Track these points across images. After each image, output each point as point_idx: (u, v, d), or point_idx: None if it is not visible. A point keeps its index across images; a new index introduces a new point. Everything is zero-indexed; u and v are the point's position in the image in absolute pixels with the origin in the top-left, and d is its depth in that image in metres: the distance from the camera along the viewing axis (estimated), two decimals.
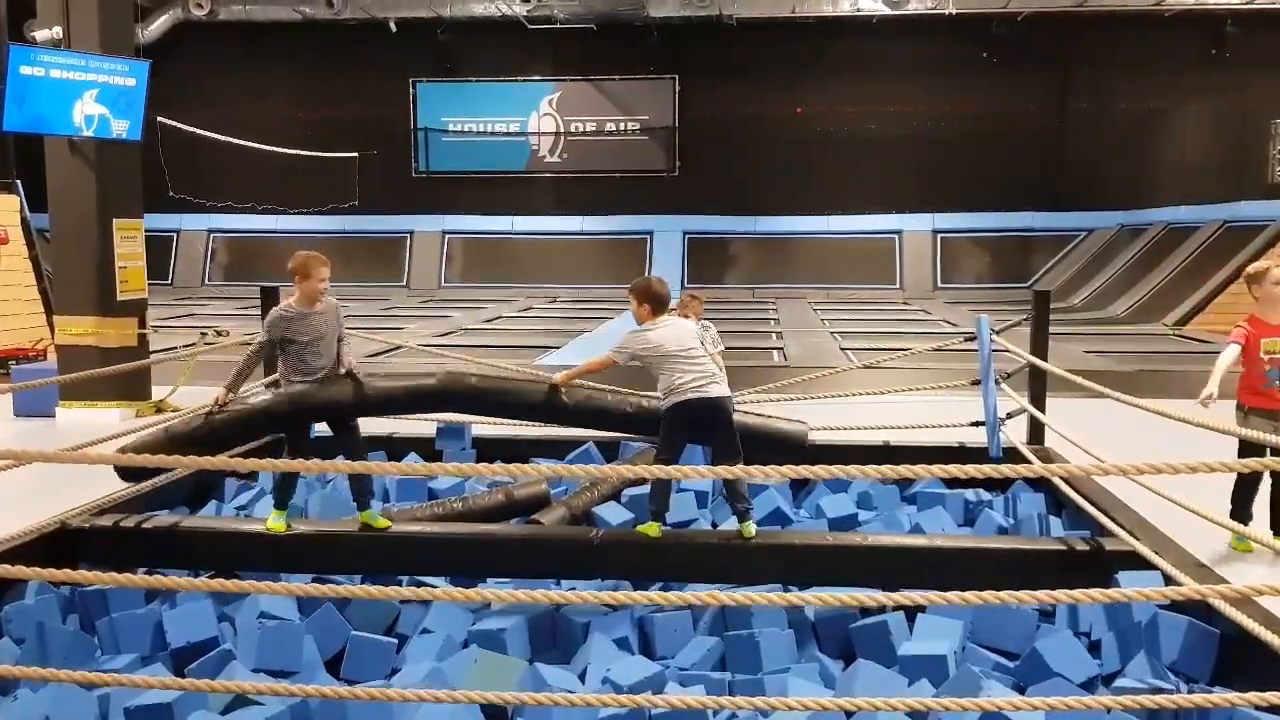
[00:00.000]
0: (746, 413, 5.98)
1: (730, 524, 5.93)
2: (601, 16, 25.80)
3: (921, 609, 4.56)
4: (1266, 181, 20.96)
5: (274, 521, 5.26)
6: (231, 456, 5.42)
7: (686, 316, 6.22)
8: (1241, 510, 5.27)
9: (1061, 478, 5.64)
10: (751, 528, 5.08)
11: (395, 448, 7.39)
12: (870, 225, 27.04)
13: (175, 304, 23.25)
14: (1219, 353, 5.24)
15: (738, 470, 4.13)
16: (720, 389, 5.03)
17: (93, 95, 9.16)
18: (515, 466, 3.97)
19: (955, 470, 3.42)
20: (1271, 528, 5.32)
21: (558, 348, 15.64)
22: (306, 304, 5.22)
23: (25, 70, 8.70)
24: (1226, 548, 5.24)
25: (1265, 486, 5.32)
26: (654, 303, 5.11)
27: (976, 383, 6.89)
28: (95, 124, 9.24)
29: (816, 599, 4.04)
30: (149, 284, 10.04)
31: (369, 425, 7.69)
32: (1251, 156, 21.47)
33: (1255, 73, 22.86)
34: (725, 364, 6.05)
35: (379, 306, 23.32)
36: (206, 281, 27.91)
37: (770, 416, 6.14)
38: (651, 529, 5.12)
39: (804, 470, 3.56)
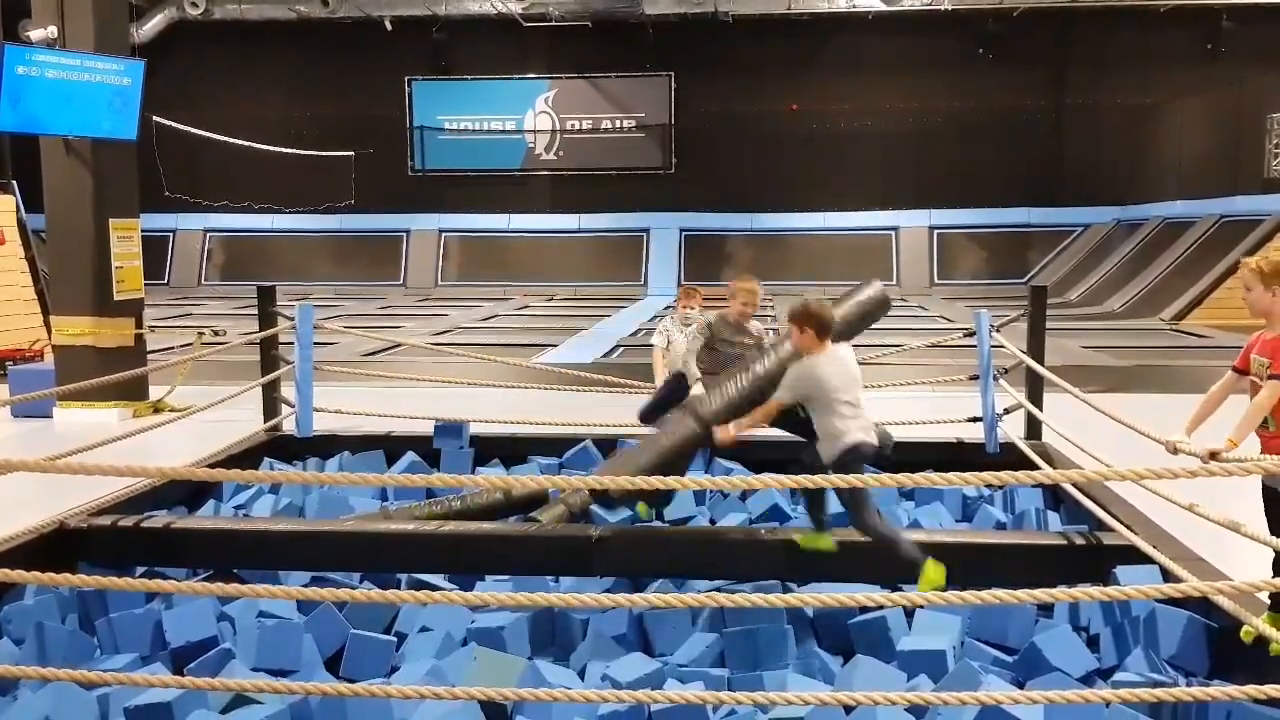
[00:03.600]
0: None
1: (728, 520, 5.96)
2: (597, 14, 25.76)
3: (920, 605, 4.56)
4: (1263, 176, 20.95)
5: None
6: None
7: (690, 308, 6.29)
8: None
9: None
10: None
11: (393, 446, 7.38)
12: (866, 221, 27.00)
13: (172, 304, 23.21)
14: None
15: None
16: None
17: (88, 95, 9.14)
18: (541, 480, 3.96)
19: (956, 479, 3.45)
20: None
21: (554, 346, 15.64)
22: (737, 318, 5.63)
23: (20, 70, 8.67)
24: (1220, 541, 4.80)
25: None
26: (818, 327, 4.63)
27: (975, 378, 6.90)
28: (91, 124, 9.22)
29: (815, 600, 4.04)
30: (145, 284, 10.04)
31: (366, 424, 7.75)
32: (1248, 151, 21.45)
33: (1251, 67, 22.83)
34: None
35: (376, 305, 23.33)
36: (203, 281, 27.84)
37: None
38: (821, 541, 4.95)
39: (804, 480, 3.60)
